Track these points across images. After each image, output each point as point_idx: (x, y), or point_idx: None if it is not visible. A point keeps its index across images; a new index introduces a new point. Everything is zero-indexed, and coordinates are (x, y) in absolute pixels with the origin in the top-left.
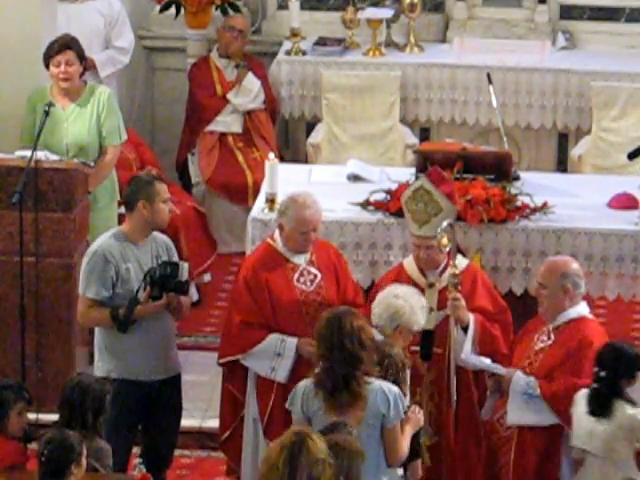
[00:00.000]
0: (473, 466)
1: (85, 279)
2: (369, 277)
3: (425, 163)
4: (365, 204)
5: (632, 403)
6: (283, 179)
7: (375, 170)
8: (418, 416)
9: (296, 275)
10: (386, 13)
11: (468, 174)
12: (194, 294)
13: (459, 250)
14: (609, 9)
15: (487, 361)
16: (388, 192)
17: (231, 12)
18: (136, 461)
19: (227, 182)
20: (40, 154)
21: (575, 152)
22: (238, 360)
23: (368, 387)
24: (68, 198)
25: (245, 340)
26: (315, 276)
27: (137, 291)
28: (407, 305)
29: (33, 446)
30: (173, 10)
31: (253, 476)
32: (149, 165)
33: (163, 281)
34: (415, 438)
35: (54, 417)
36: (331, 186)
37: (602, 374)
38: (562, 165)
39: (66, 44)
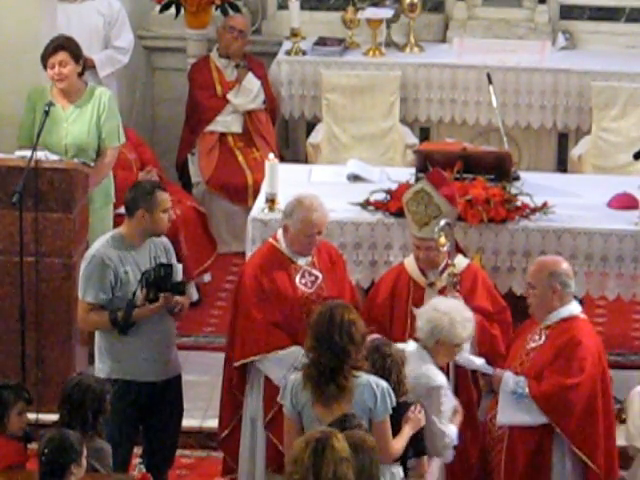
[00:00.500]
0: (473, 466)
1: (83, 284)
2: (369, 277)
3: (425, 163)
4: (365, 204)
5: None
6: (283, 179)
7: (375, 170)
8: (419, 416)
9: (298, 276)
10: (386, 13)
11: (468, 174)
12: (194, 294)
13: (459, 250)
14: (609, 9)
15: (478, 361)
16: (388, 192)
17: (231, 12)
18: (136, 461)
19: (227, 182)
20: (40, 154)
21: (575, 152)
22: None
23: (355, 381)
24: (68, 198)
25: (273, 338)
26: (316, 278)
27: (134, 294)
28: (446, 318)
29: (33, 446)
30: (173, 10)
31: (250, 474)
32: (149, 165)
33: (158, 283)
34: (418, 435)
35: (54, 417)
36: (331, 186)
37: None
38: (562, 165)
39: (59, 45)
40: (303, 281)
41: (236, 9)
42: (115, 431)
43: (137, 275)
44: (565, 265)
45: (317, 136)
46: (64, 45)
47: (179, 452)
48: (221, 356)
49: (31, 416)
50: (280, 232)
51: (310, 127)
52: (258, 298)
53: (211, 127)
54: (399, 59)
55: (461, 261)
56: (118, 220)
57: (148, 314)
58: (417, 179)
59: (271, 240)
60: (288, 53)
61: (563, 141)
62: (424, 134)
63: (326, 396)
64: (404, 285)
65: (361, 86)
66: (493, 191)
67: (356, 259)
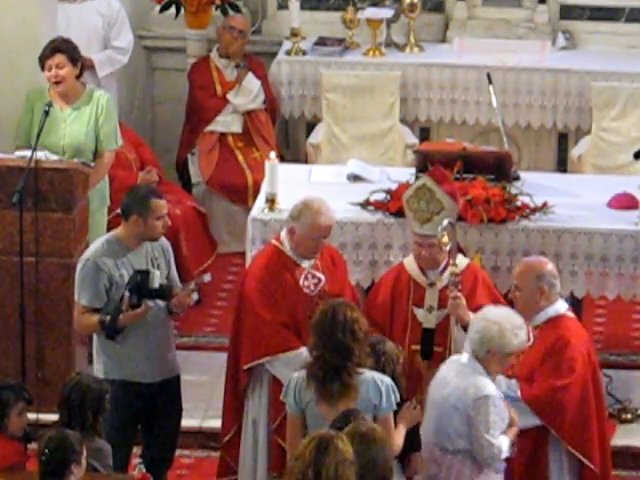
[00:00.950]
0: None
1: (78, 286)
2: (369, 277)
3: (425, 163)
4: (365, 204)
5: None
6: (283, 179)
7: (375, 170)
8: (413, 412)
9: (302, 278)
10: (386, 13)
11: (468, 174)
12: (194, 294)
13: (459, 249)
14: (609, 9)
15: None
16: (388, 192)
17: (231, 12)
18: (136, 461)
19: (227, 182)
20: (40, 154)
21: (575, 152)
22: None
23: (359, 378)
24: (68, 198)
25: (283, 338)
26: (319, 280)
27: (121, 299)
28: (495, 327)
29: (33, 446)
30: (173, 10)
31: (251, 476)
32: (149, 165)
33: (139, 289)
34: (414, 431)
35: (54, 417)
36: (331, 186)
37: None
38: (562, 165)
39: (56, 47)
40: (306, 283)
41: (236, 9)
42: (114, 431)
43: None
44: (550, 266)
45: (317, 136)
46: (61, 48)
47: (179, 452)
48: (221, 356)
49: (31, 416)
50: (283, 234)
51: (310, 127)
52: (265, 299)
53: (211, 127)
54: (399, 59)
55: (461, 261)
56: (116, 221)
57: (133, 320)
58: (417, 179)
59: (274, 242)
60: (288, 53)
61: (563, 141)
62: (424, 134)
63: (330, 394)
64: (404, 285)
65: (361, 86)
66: (493, 191)
67: (356, 259)
